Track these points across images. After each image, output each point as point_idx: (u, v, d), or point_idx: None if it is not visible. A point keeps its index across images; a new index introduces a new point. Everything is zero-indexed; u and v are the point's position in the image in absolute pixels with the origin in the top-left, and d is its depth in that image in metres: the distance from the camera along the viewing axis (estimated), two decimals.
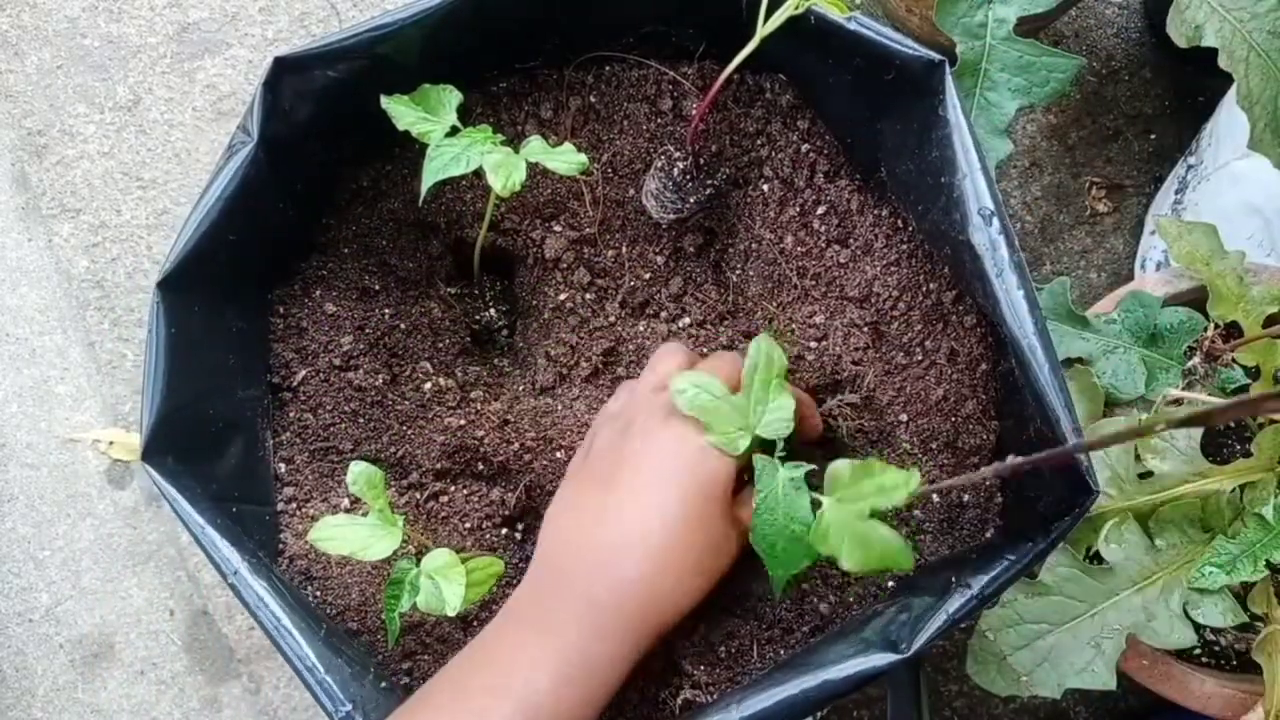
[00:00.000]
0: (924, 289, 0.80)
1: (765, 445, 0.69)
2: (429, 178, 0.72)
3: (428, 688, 0.65)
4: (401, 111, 0.75)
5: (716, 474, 0.67)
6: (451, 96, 0.76)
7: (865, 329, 0.80)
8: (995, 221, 0.67)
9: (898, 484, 0.62)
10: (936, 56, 0.70)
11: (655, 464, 0.68)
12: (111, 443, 1.25)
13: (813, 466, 0.68)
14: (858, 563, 0.63)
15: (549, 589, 0.68)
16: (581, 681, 0.63)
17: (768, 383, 0.69)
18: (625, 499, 0.67)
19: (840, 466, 0.64)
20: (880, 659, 0.62)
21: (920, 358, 0.80)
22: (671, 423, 0.69)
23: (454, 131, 0.75)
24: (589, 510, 0.69)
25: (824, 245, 0.84)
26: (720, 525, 0.68)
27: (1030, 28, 1.14)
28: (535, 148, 0.75)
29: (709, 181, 0.83)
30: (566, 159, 0.75)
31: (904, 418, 0.79)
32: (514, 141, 0.76)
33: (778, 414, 0.69)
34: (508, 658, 0.64)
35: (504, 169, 0.72)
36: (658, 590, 0.65)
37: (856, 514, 0.63)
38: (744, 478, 0.72)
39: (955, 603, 0.63)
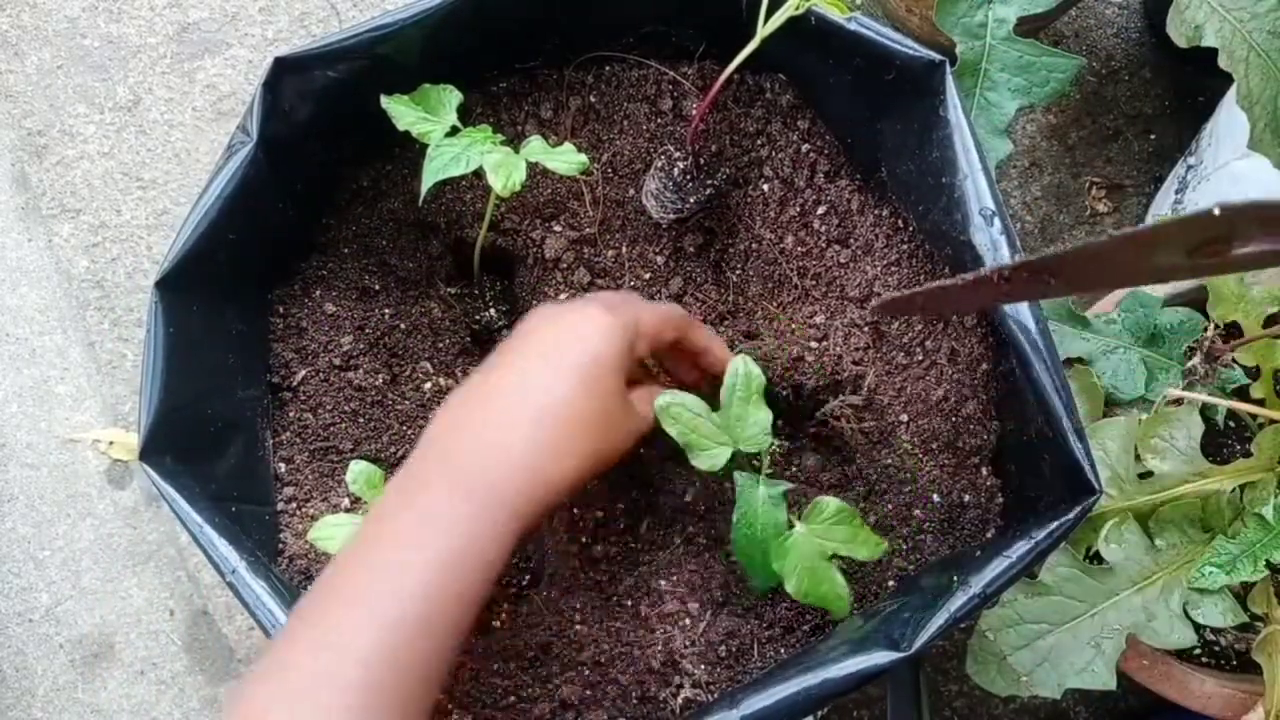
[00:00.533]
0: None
1: (746, 459, 0.72)
2: (429, 178, 0.72)
3: (304, 599, 0.59)
4: (402, 111, 0.75)
5: (600, 353, 0.64)
6: (451, 96, 0.76)
7: (866, 329, 0.80)
8: (996, 222, 0.67)
9: (866, 543, 0.68)
10: (937, 57, 0.70)
11: (539, 344, 0.65)
12: (111, 443, 1.25)
13: (791, 486, 0.71)
14: (800, 593, 0.69)
15: (422, 467, 0.62)
16: (458, 565, 0.57)
17: (746, 400, 0.71)
18: (507, 376, 0.64)
19: (827, 503, 0.69)
20: (881, 657, 0.62)
21: (921, 358, 0.80)
22: (562, 311, 0.67)
23: (454, 131, 0.75)
24: (473, 391, 0.65)
25: (824, 245, 0.84)
26: (604, 405, 0.65)
27: (1030, 28, 1.14)
28: (535, 148, 0.75)
29: (709, 181, 0.83)
30: (566, 159, 0.75)
31: (904, 417, 0.79)
32: (514, 141, 0.76)
33: (756, 428, 0.70)
34: (382, 549, 0.58)
35: (504, 169, 0.72)
36: (536, 466, 0.61)
37: (819, 551, 0.69)
38: (652, 372, 0.75)
39: (956, 602, 0.63)
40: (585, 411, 0.63)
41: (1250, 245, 0.38)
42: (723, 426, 0.71)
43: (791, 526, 0.71)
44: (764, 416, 0.70)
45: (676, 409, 0.70)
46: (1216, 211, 0.37)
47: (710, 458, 0.70)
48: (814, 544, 0.69)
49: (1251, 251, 0.39)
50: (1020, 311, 0.66)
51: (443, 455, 0.62)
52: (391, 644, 0.54)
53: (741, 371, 0.70)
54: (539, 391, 0.63)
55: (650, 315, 0.70)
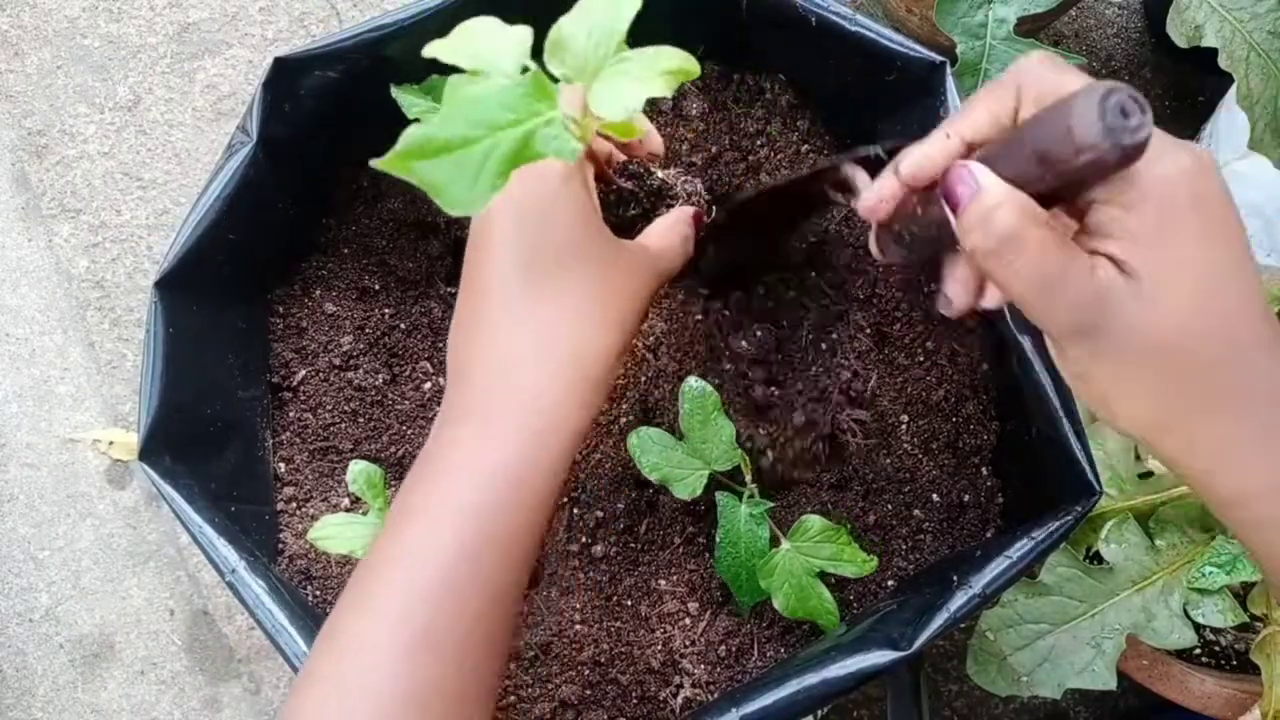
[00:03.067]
0: (925, 289, 0.80)
1: (725, 479, 0.74)
2: None
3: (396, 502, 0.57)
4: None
5: (573, 199, 0.56)
6: None
7: (868, 330, 0.80)
8: None
9: (853, 560, 0.70)
10: (938, 58, 0.70)
11: (499, 220, 0.57)
12: (111, 443, 1.25)
13: (771, 505, 0.73)
14: (788, 609, 0.71)
15: (455, 400, 0.58)
16: (524, 460, 0.55)
17: (705, 420, 0.72)
18: (480, 267, 0.57)
19: (812, 521, 0.71)
20: (881, 656, 0.62)
21: (922, 359, 0.80)
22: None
23: None
24: (459, 304, 0.59)
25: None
26: (599, 244, 0.58)
27: (1030, 28, 1.14)
28: None
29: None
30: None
31: (904, 419, 0.79)
32: None
33: (722, 445, 0.72)
34: (446, 464, 0.56)
35: None
36: (547, 346, 0.56)
37: (806, 568, 0.71)
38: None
39: (957, 601, 0.63)
40: (576, 285, 0.57)
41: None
42: (692, 452, 0.72)
43: (778, 543, 0.72)
44: (726, 432, 0.72)
45: (645, 445, 0.72)
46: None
47: (688, 486, 0.73)
48: (800, 561, 0.71)
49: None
50: (1020, 314, 0.66)
51: (459, 398, 0.58)
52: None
53: (695, 391, 0.71)
54: (509, 295, 0.56)
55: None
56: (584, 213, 0.57)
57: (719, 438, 0.72)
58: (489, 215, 0.57)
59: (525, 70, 0.49)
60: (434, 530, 0.54)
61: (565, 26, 0.50)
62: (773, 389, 0.80)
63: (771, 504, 0.73)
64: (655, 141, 0.66)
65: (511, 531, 0.54)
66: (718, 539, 0.74)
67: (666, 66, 0.50)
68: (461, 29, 0.51)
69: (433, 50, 0.50)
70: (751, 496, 0.74)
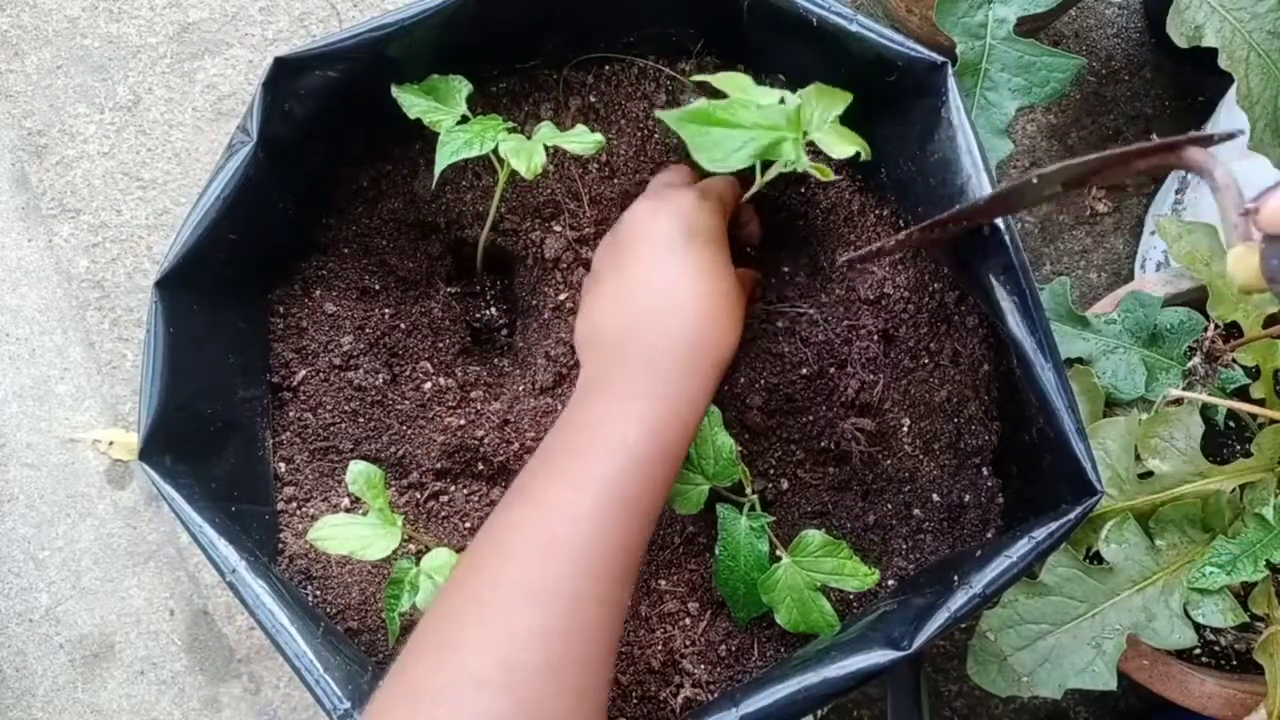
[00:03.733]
0: (929, 289, 0.80)
1: (725, 492, 0.75)
2: (443, 161, 0.72)
3: (521, 479, 0.66)
4: (412, 100, 0.75)
5: (710, 224, 0.72)
6: (461, 86, 0.76)
7: (877, 336, 0.80)
8: (999, 221, 0.67)
9: (855, 574, 0.71)
10: (939, 58, 0.70)
11: (656, 235, 0.71)
12: (111, 443, 1.25)
13: (772, 519, 0.75)
14: (791, 623, 0.72)
15: (607, 369, 0.69)
16: (668, 426, 0.64)
17: (706, 436, 0.73)
18: (645, 270, 0.71)
19: (812, 536, 0.72)
20: (881, 656, 0.62)
21: (925, 360, 0.80)
22: (653, 203, 0.74)
23: (464, 120, 0.75)
24: (615, 294, 0.72)
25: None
26: (729, 269, 0.72)
27: (1030, 28, 1.14)
28: (547, 133, 0.75)
29: None
30: (581, 140, 0.75)
31: (906, 421, 0.79)
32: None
33: (723, 460, 0.73)
34: (592, 432, 0.65)
35: (524, 152, 0.72)
36: (707, 331, 0.69)
37: (807, 582, 0.72)
38: (739, 220, 0.82)
39: (957, 601, 0.63)
40: (725, 278, 0.71)
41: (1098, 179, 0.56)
42: (693, 467, 0.74)
43: (778, 558, 0.72)
44: (726, 445, 0.73)
45: None
46: (1035, 180, 0.60)
47: (689, 501, 0.74)
48: (801, 576, 0.72)
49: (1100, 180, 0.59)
50: (1023, 312, 0.66)
51: (616, 363, 0.69)
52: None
53: None
54: (681, 290, 0.70)
55: (723, 186, 0.77)
56: (724, 241, 0.73)
57: (720, 454, 0.73)
58: (656, 221, 0.72)
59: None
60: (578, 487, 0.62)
61: (804, 99, 0.69)
62: (778, 401, 0.80)
63: (772, 518, 0.74)
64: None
65: (647, 489, 0.63)
66: (717, 552, 0.75)
67: (860, 142, 0.68)
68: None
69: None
70: (752, 509, 0.74)
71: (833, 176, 0.73)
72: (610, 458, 0.62)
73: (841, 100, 0.69)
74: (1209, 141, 0.53)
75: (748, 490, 0.75)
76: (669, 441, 0.64)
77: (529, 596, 0.57)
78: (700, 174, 0.80)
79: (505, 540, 0.61)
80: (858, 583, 0.71)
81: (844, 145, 0.67)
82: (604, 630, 0.59)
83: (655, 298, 0.70)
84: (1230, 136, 0.53)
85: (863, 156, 0.67)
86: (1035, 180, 0.60)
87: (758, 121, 0.66)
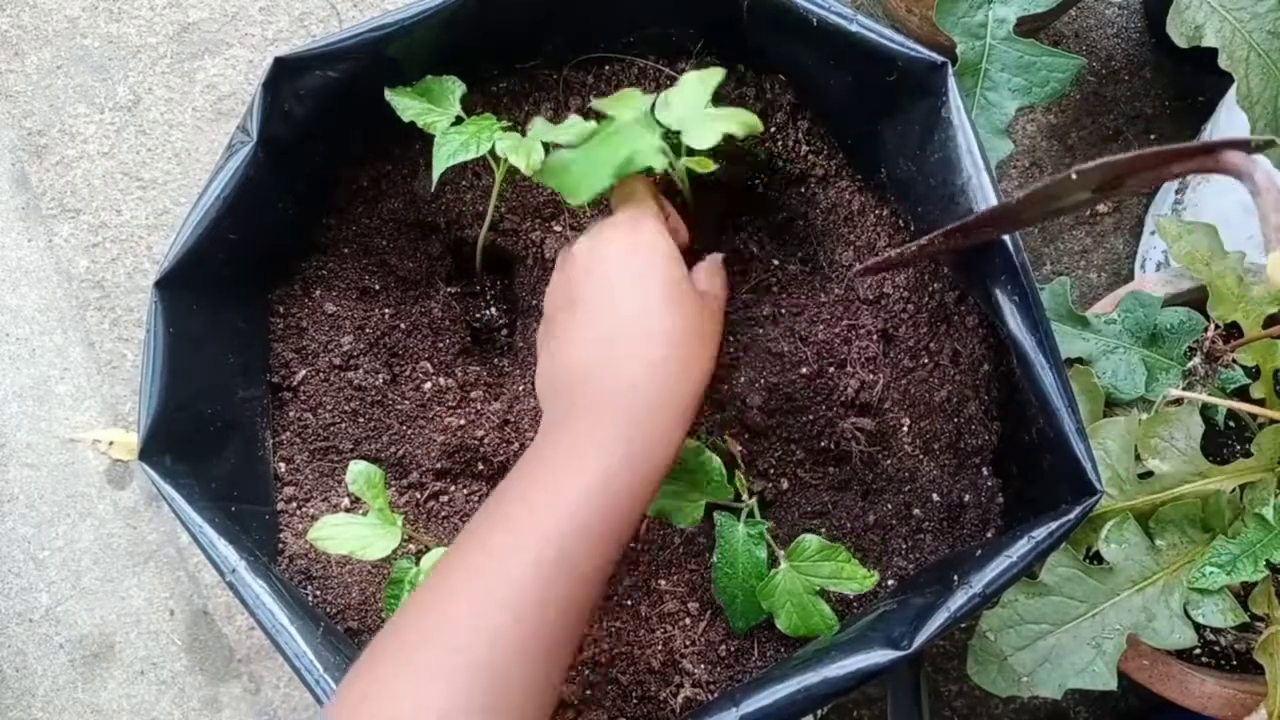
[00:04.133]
0: (929, 289, 0.80)
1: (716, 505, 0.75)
2: (440, 164, 0.72)
3: (472, 523, 0.63)
4: (405, 103, 0.75)
5: (670, 252, 0.68)
6: (455, 87, 0.76)
7: (876, 336, 0.80)
8: None
9: (854, 576, 0.71)
10: (939, 58, 0.70)
11: (618, 267, 0.68)
12: (111, 443, 1.25)
13: (770, 524, 0.75)
14: (791, 627, 0.73)
15: (569, 407, 0.66)
16: (633, 471, 0.62)
17: (696, 452, 0.74)
18: (608, 302, 0.67)
19: (809, 541, 0.72)
20: (881, 656, 0.62)
21: (925, 360, 0.80)
22: (607, 231, 0.70)
23: (458, 121, 0.75)
24: (577, 330, 0.67)
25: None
26: (694, 293, 0.69)
27: (1030, 28, 1.14)
28: (540, 129, 0.74)
29: None
30: (573, 131, 0.75)
31: (906, 421, 0.79)
32: None
33: (715, 476, 0.74)
34: (548, 475, 0.62)
35: (523, 149, 0.72)
36: (675, 365, 0.65)
37: (806, 587, 0.72)
38: (691, 249, 0.76)
39: (957, 600, 0.63)
40: (688, 321, 0.67)
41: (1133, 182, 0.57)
42: (689, 483, 0.74)
43: (775, 564, 0.73)
44: (715, 464, 0.73)
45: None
46: (1074, 176, 0.58)
47: (686, 516, 0.74)
48: (800, 580, 0.72)
49: (1134, 184, 0.59)
50: (1023, 312, 0.66)
51: (575, 404, 0.65)
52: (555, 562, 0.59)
53: None
54: (645, 320, 0.66)
55: (662, 207, 0.74)
56: (675, 253, 0.69)
57: (710, 470, 0.74)
58: (601, 252, 0.68)
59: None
60: (542, 518, 0.60)
61: (671, 95, 0.71)
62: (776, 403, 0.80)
63: (769, 524, 0.74)
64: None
65: (611, 524, 0.61)
66: (715, 560, 0.75)
67: (739, 119, 0.69)
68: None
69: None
70: (750, 515, 0.74)
71: (711, 167, 0.72)
72: (560, 512, 0.59)
73: (708, 83, 0.69)
74: (1247, 147, 0.52)
75: (744, 498, 0.75)
76: (632, 487, 0.62)
77: (452, 649, 0.56)
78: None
79: (448, 577, 0.60)
80: (857, 585, 0.71)
81: (706, 134, 0.68)
82: (529, 694, 0.57)
83: (620, 328, 0.66)
84: (1271, 144, 0.53)
85: (741, 134, 0.68)
86: (1074, 176, 0.59)
87: (622, 141, 0.69)
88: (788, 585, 0.72)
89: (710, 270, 0.75)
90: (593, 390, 0.64)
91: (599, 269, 0.68)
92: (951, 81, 0.70)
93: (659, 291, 0.66)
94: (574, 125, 0.75)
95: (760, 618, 0.75)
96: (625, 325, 0.66)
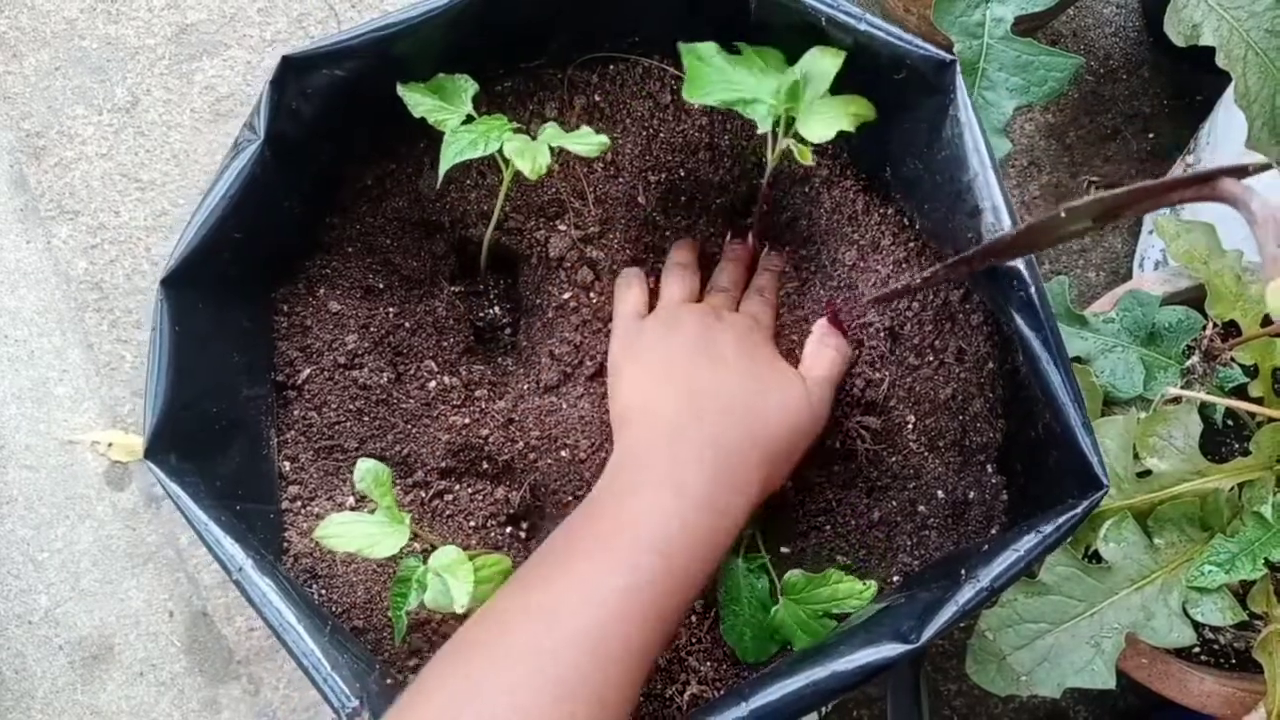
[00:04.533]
0: (933, 287, 0.80)
1: None
2: (447, 161, 0.72)
3: (540, 554, 0.64)
4: (417, 99, 0.75)
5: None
6: (467, 86, 0.77)
7: (883, 334, 0.80)
8: (1005, 219, 0.67)
9: (851, 594, 0.73)
10: (948, 56, 0.70)
11: (760, 357, 0.75)
12: (110, 444, 1.24)
13: (767, 556, 0.77)
14: (808, 644, 0.73)
15: (659, 443, 0.68)
16: (708, 527, 0.63)
17: None
18: (752, 367, 0.73)
19: (794, 577, 0.74)
20: (890, 650, 0.62)
21: (930, 357, 0.80)
22: (777, 373, 0.75)
23: (469, 120, 0.75)
24: (701, 369, 0.72)
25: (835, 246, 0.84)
26: (783, 364, 0.76)
27: (1028, 27, 1.15)
28: (552, 133, 0.75)
29: None
30: (586, 141, 0.75)
31: (911, 418, 0.80)
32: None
33: None
34: (629, 513, 0.63)
35: (529, 153, 0.72)
36: (781, 444, 0.70)
37: (809, 614, 0.74)
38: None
39: (965, 595, 0.63)
40: (797, 445, 0.73)
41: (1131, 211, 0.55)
42: None
43: (777, 597, 0.75)
44: None
45: None
46: (1063, 214, 0.57)
47: None
48: (803, 609, 0.74)
49: (1133, 212, 0.57)
50: (1029, 308, 0.66)
51: (678, 431, 0.68)
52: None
53: None
54: (789, 386, 0.73)
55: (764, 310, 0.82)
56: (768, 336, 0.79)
57: None
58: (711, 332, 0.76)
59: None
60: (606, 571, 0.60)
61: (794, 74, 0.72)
62: None
63: (768, 556, 0.76)
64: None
65: (672, 588, 0.61)
66: (720, 600, 0.76)
67: (854, 109, 0.71)
68: None
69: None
70: (750, 544, 0.75)
71: (810, 161, 0.74)
72: (632, 563, 0.60)
73: (835, 61, 0.71)
74: (1243, 173, 0.52)
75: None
76: (703, 545, 0.63)
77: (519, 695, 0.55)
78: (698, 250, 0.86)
79: (509, 620, 0.60)
80: (856, 602, 0.72)
81: (822, 126, 0.70)
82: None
83: (756, 388, 0.71)
84: (1267, 167, 0.53)
85: (851, 128, 0.70)
86: (1063, 214, 0.59)
87: (743, 82, 0.73)
88: (794, 617, 0.74)
89: (817, 343, 0.80)
90: (692, 433, 0.69)
91: (749, 347, 0.76)
92: (959, 79, 0.70)
93: (789, 423, 0.73)
94: (585, 134, 0.75)
95: (769, 653, 0.76)
96: (770, 389, 0.74)
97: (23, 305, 1.27)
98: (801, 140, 0.71)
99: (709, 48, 0.75)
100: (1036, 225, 0.62)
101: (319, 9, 1.33)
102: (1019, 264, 0.67)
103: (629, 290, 0.83)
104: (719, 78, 0.74)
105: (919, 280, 0.73)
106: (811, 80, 0.72)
